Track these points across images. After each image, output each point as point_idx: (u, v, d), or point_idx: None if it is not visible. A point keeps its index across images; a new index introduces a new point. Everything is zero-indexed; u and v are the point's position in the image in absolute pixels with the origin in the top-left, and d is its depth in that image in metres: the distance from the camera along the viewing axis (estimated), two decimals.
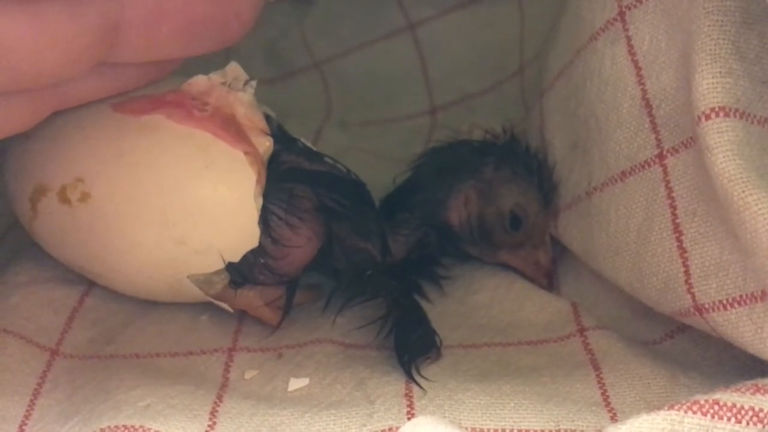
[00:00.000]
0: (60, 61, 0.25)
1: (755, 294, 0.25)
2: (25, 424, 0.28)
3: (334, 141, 0.45)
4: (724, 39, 0.25)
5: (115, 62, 0.28)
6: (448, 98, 0.47)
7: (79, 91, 0.28)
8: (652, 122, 0.28)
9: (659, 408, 0.22)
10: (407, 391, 0.28)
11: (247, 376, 0.30)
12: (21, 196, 0.31)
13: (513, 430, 0.26)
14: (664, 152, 0.28)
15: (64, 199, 0.30)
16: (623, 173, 0.29)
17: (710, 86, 0.25)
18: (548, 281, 0.35)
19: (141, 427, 0.26)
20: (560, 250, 0.35)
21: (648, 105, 0.28)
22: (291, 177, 0.31)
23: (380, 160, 0.43)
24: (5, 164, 0.32)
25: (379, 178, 0.35)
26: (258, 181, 0.30)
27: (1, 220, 0.37)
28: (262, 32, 0.47)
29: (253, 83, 0.32)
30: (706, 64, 0.25)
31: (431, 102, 0.48)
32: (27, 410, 0.29)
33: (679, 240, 0.27)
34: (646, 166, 0.28)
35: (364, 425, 0.27)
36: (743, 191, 0.24)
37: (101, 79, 0.28)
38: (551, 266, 0.35)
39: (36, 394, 0.29)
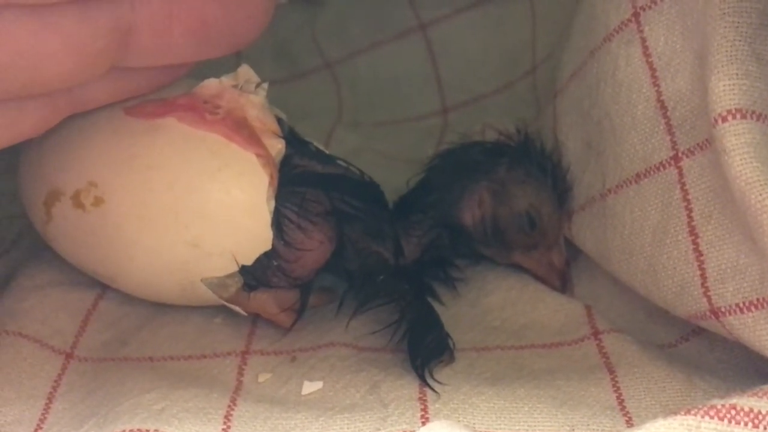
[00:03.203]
0: (72, 66, 0.25)
1: None
2: (40, 428, 0.28)
3: (345, 142, 0.45)
4: (740, 41, 0.24)
5: (128, 66, 0.28)
6: (460, 98, 0.47)
7: (92, 96, 0.28)
8: (667, 124, 0.28)
9: (675, 412, 0.21)
10: (421, 395, 0.28)
11: (261, 379, 0.30)
12: (35, 201, 0.31)
13: None
14: (680, 154, 0.28)
15: (77, 203, 0.30)
16: (638, 175, 0.29)
17: (727, 88, 0.24)
18: (562, 283, 0.35)
19: (156, 430, 0.26)
20: (574, 252, 0.35)
21: (663, 107, 0.28)
22: (303, 181, 0.31)
23: (392, 161, 0.43)
24: (19, 169, 0.32)
25: (391, 178, 0.35)
26: (270, 184, 0.30)
27: (15, 223, 0.38)
28: (272, 33, 0.47)
29: (265, 86, 0.31)
30: (723, 66, 0.24)
31: (443, 102, 0.47)
32: (42, 414, 0.29)
33: (695, 243, 0.27)
34: (661, 168, 0.28)
35: (378, 429, 0.27)
36: (760, 194, 0.23)
37: (114, 83, 0.28)
38: (565, 268, 0.35)
39: (51, 398, 0.30)
